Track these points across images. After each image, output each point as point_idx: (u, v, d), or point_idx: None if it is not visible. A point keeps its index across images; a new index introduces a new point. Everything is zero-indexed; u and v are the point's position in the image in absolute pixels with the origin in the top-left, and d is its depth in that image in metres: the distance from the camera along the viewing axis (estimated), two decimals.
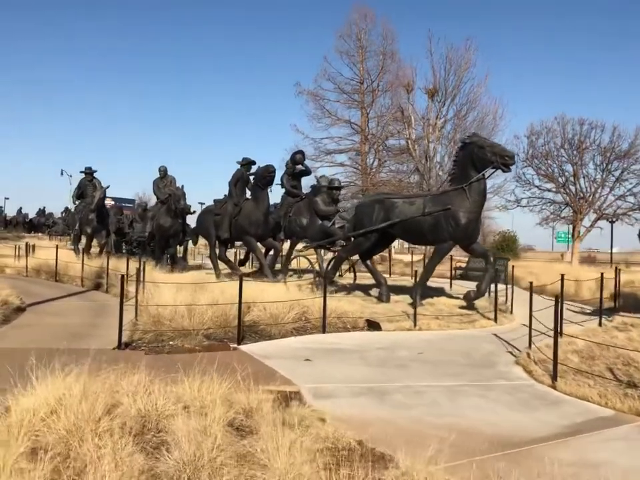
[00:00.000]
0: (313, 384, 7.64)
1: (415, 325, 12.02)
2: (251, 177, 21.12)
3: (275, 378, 7.58)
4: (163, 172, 24.41)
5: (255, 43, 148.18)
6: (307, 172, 22.70)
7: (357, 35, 38.14)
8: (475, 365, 9.11)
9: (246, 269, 22.12)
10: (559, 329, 8.68)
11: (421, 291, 14.58)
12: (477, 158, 13.64)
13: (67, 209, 72.64)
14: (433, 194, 14.81)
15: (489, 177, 14.09)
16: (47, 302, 14.35)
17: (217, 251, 20.50)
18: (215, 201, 20.76)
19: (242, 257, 25.78)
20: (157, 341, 10.04)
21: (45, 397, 5.36)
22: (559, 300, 8.70)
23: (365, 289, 17.04)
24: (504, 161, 13.41)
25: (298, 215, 21.50)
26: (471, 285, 18.74)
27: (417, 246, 25.24)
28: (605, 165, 32.27)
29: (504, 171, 13.65)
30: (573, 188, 32.91)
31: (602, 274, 14.21)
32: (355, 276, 17.11)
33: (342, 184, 19.16)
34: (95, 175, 26.44)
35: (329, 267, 16.13)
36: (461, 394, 7.43)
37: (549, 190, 33.98)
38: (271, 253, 20.22)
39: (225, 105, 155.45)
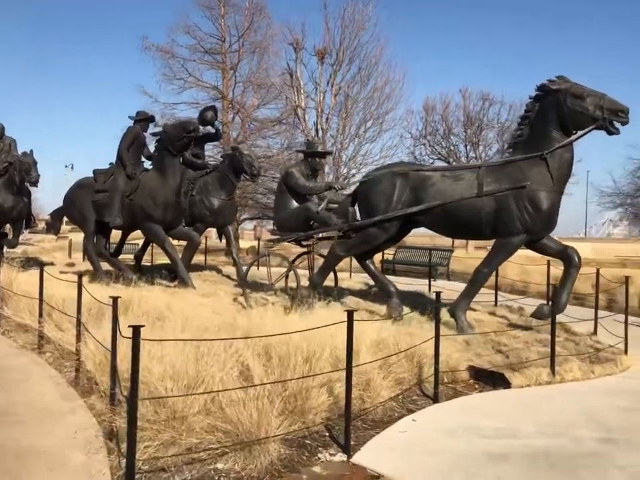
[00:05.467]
0: None
1: (554, 374, 7.37)
2: (151, 138, 15.32)
3: None
4: None
5: None
6: (215, 136, 17.02)
7: None
8: None
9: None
10: None
11: (466, 308, 10.04)
12: (569, 113, 9.26)
13: None
14: (489, 164, 10.17)
15: (575, 140, 9.69)
16: None
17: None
18: (95, 172, 14.49)
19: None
20: (190, 464, 4.45)
21: None
22: None
23: (352, 295, 12.15)
24: (615, 117, 9.17)
25: (204, 194, 15.90)
26: (399, 282, 14.40)
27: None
28: (503, 147, 29.75)
29: (610, 133, 9.37)
30: None
31: None
32: (337, 278, 12.05)
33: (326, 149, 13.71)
34: None
35: (316, 271, 10.92)
36: None
37: None
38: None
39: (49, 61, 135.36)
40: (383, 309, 11.45)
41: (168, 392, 4.75)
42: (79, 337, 6.42)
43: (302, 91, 28.41)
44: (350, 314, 4.94)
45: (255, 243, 39.20)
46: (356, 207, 10.79)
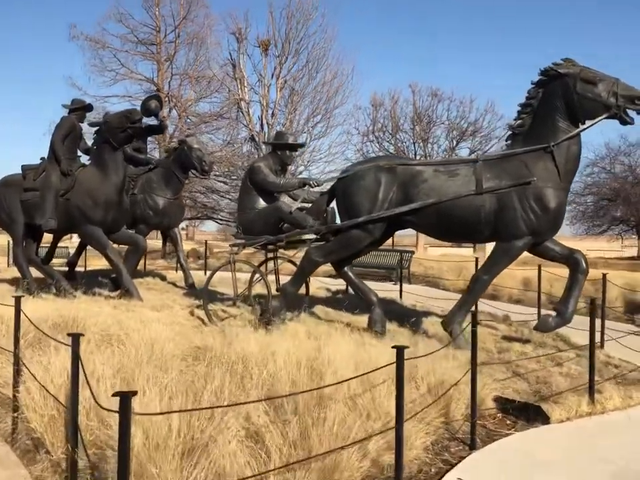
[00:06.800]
0: None
1: (594, 402, 6.26)
2: (88, 129, 13.70)
3: None
4: None
5: None
6: (159, 128, 15.35)
7: None
8: None
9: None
10: None
11: (463, 320, 8.91)
12: (579, 100, 8.25)
13: None
14: (487, 158, 9.01)
15: (583, 130, 8.64)
16: None
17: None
18: (23, 168, 12.69)
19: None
20: None
21: None
22: None
23: (319, 304, 10.94)
24: (631, 105, 8.19)
25: (148, 192, 14.36)
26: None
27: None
28: (451, 145, 28.97)
29: (624, 123, 8.36)
30: None
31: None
32: (308, 287, 10.70)
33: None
34: None
35: (290, 280, 9.53)
36: None
37: None
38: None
39: None
40: (359, 320, 10.28)
41: (158, 471, 3.33)
42: (16, 380, 4.86)
43: (245, 84, 26.83)
44: (400, 352, 3.63)
45: (193, 245, 37.45)
46: (333, 206, 9.53)
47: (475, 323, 5.22)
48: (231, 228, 41.39)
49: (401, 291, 13.84)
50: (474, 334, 5.22)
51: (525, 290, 15.23)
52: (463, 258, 20.87)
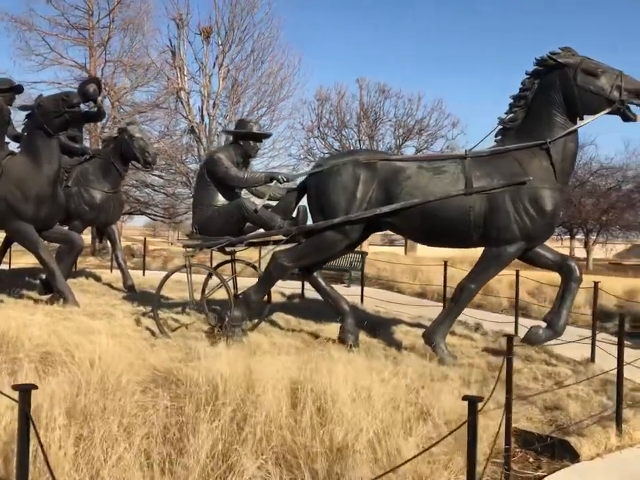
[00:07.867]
0: None
1: (621, 432, 5.50)
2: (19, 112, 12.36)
3: None
4: None
5: None
6: (97, 114, 14.02)
7: None
8: None
9: None
10: None
11: (446, 333, 8.14)
12: (579, 93, 7.56)
13: None
14: (477, 154, 8.14)
15: (582, 126, 7.92)
16: None
17: None
18: None
19: None
20: None
21: None
22: None
23: (277, 311, 10.04)
24: (635, 100, 7.56)
25: (83, 185, 13.05)
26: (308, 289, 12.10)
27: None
28: (397, 142, 28.25)
29: (626, 119, 7.69)
30: None
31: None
32: (270, 294, 9.65)
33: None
34: None
35: (254, 286, 8.46)
36: None
37: None
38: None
39: None
40: (324, 329, 9.40)
41: None
42: None
43: (185, 72, 25.40)
44: (472, 404, 2.68)
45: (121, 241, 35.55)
46: (305, 205, 8.55)
47: (510, 350, 4.32)
48: (164, 224, 39.77)
49: (362, 295, 12.95)
50: (509, 362, 4.34)
51: (484, 294, 14.59)
52: (415, 260, 20.28)
